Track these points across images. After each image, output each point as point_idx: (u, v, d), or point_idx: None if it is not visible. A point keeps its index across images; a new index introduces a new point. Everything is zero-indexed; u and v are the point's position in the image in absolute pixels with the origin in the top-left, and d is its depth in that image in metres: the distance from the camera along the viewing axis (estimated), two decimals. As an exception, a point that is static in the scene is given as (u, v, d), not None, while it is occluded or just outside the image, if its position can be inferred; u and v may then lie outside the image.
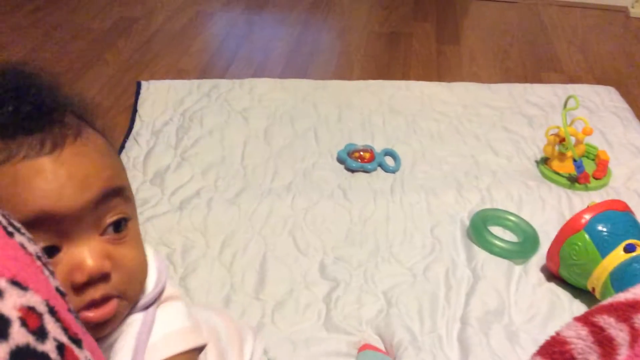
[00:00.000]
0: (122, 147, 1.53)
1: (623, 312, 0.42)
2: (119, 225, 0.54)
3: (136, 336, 0.56)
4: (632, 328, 0.41)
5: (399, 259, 1.23)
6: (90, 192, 0.52)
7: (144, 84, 1.81)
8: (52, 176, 0.51)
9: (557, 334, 0.45)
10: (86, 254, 0.51)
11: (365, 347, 1.03)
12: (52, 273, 0.38)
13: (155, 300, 0.59)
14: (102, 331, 0.54)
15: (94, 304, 0.52)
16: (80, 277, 0.50)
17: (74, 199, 0.51)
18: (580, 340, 0.43)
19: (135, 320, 0.57)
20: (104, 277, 0.51)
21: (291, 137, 1.60)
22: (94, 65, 1.96)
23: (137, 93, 1.76)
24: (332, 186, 1.43)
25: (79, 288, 0.51)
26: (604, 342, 0.42)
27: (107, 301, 0.52)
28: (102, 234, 0.53)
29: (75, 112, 0.57)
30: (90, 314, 0.51)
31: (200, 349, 0.60)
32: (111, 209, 0.53)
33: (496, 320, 1.09)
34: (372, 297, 1.14)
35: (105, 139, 0.59)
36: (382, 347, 1.05)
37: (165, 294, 0.60)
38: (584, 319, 0.44)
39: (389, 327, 1.07)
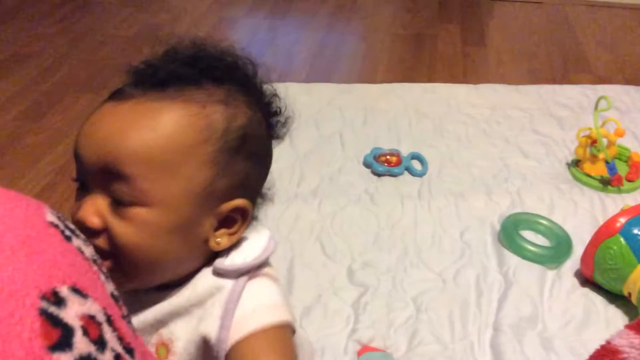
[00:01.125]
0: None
1: (681, 321, 0.40)
2: (118, 200, 0.54)
3: (224, 305, 0.56)
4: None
5: (428, 264, 1.21)
6: (96, 155, 0.54)
7: (169, 90, 1.81)
8: (94, 122, 0.55)
9: (608, 342, 0.43)
10: (86, 203, 0.54)
11: (364, 350, 1.02)
12: (107, 277, 0.37)
13: (249, 272, 0.59)
14: None
15: None
16: (73, 217, 0.54)
17: (88, 152, 0.54)
18: (633, 349, 0.41)
19: (224, 287, 0.58)
20: (89, 230, 0.53)
21: (317, 141, 1.59)
22: (121, 72, 1.97)
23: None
24: (358, 191, 1.42)
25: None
26: (660, 352, 0.40)
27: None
28: (111, 197, 0.54)
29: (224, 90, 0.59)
30: None
31: (292, 329, 0.59)
32: (114, 183, 0.54)
33: (530, 326, 1.06)
34: (401, 302, 1.12)
35: (192, 124, 0.56)
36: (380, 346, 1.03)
37: (262, 271, 0.61)
38: (636, 327, 0.42)
39: (417, 333, 1.05)
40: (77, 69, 1.99)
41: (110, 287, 0.37)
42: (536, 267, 1.18)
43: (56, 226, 0.36)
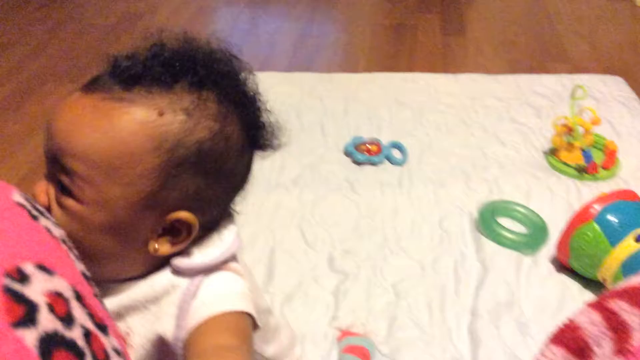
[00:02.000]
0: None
1: (637, 296, 0.42)
2: (60, 187, 0.56)
3: (179, 305, 0.56)
4: (647, 312, 0.40)
5: (408, 252, 1.22)
6: (50, 143, 0.55)
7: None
8: (58, 111, 0.56)
9: (570, 320, 0.45)
10: (41, 181, 0.57)
11: (344, 335, 1.03)
12: (77, 257, 0.37)
13: (205, 271, 0.58)
14: None
15: None
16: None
17: (45, 139, 0.56)
18: (593, 325, 0.42)
19: (179, 286, 0.57)
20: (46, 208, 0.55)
21: (297, 130, 1.60)
22: (100, 61, 1.96)
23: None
24: (339, 179, 1.42)
25: None
26: (618, 327, 0.41)
27: None
28: (55, 184, 0.56)
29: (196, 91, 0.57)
30: None
31: (253, 321, 0.58)
32: (58, 171, 0.55)
33: (506, 311, 1.08)
34: (380, 289, 1.13)
35: (144, 131, 0.55)
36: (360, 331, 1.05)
37: (226, 266, 0.60)
38: (596, 305, 0.44)
39: (396, 319, 1.07)
40: (55, 58, 1.97)
41: (80, 266, 0.37)
42: (513, 254, 1.20)
43: (23, 206, 0.36)
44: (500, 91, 1.80)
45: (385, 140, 1.54)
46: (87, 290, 0.35)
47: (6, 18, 2.23)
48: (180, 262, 0.58)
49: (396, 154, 1.51)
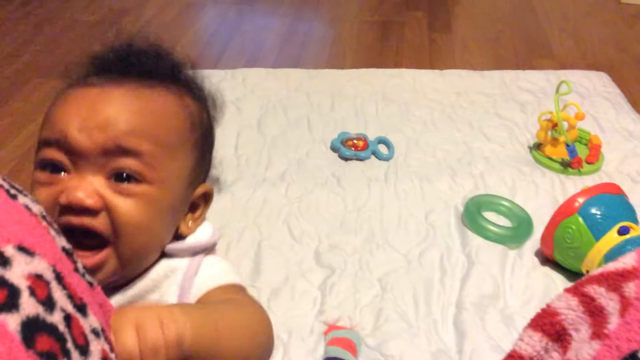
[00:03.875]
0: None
1: (613, 281, 0.43)
2: (122, 177, 0.55)
3: (180, 284, 0.58)
4: (622, 297, 0.41)
5: (394, 246, 1.23)
6: (102, 134, 0.54)
7: (135, 75, 1.79)
8: (85, 106, 0.55)
9: (548, 305, 0.45)
10: (80, 183, 0.53)
11: (330, 329, 1.04)
12: (58, 232, 0.37)
13: (203, 251, 0.62)
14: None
15: (88, 249, 0.55)
16: (63, 199, 0.53)
17: (87, 133, 0.54)
18: (570, 310, 0.43)
19: (180, 267, 0.59)
20: (87, 211, 0.53)
21: (284, 126, 1.60)
22: (86, 57, 1.95)
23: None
24: (326, 174, 1.43)
25: (64, 210, 0.53)
26: (595, 312, 0.42)
27: (99, 250, 0.55)
28: (108, 178, 0.55)
29: (180, 82, 0.64)
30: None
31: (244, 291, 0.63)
32: (121, 161, 0.55)
33: (491, 304, 1.09)
34: (367, 283, 1.14)
35: (182, 111, 0.60)
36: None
37: (212, 252, 0.65)
38: (574, 290, 0.45)
39: (382, 312, 1.07)
40: (40, 55, 1.96)
41: (61, 241, 0.36)
42: (498, 247, 1.21)
43: (0, 186, 0.36)
44: (486, 87, 1.81)
45: (371, 135, 1.55)
46: (68, 267, 0.35)
47: (-10, 15, 2.21)
48: (176, 245, 0.61)
49: (383, 149, 1.52)
